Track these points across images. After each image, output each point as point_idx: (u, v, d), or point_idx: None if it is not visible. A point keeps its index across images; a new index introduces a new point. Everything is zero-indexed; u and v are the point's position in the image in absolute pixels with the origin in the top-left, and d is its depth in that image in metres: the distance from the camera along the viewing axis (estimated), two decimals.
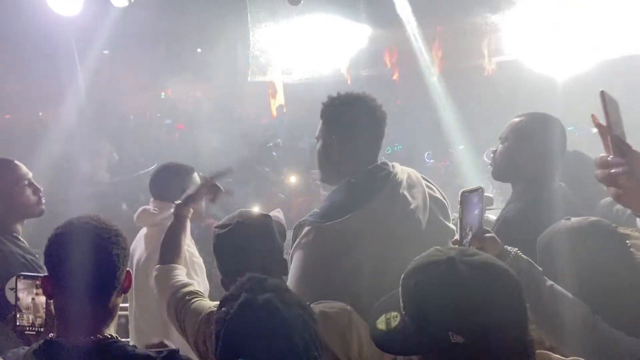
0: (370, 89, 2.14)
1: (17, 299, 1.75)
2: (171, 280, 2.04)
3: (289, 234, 2.09)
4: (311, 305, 1.71)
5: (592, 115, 1.23)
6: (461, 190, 1.55)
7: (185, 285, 2.02)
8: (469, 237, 1.53)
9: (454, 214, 2.04)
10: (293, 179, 5.70)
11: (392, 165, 2.09)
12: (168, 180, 2.77)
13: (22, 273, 1.83)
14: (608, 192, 1.22)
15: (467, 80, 7.50)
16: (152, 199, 2.81)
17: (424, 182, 2.11)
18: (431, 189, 2.12)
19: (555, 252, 1.66)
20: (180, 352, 1.49)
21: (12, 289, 2.11)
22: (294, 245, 1.99)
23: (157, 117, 9.18)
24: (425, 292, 1.15)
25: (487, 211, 2.69)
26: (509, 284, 1.13)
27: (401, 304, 1.21)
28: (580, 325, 1.49)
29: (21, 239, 2.50)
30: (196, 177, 2.80)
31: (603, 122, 1.19)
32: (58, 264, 1.46)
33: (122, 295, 1.54)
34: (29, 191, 2.49)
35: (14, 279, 1.81)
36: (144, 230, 2.77)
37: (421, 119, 7.39)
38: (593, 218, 1.72)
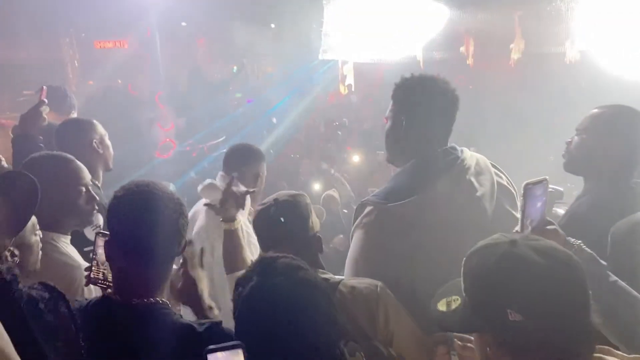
0: (443, 72, 2.10)
1: (94, 254, 1.83)
2: None
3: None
4: (344, 281, 1.76)
5: None
6: (524, 182, 1.52)
7: None
8: (529, 229, 1.51)
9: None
10: (356, 159, 5.69)
11: (461, 150, 2.05)
12: (243, 160, 2.88)
13: (102, 231, 1.93)
14: None
15: (547, 67, 7.18)
16: (221, 173, 2.89)
17: (492, 169, 2.06)
18: (500, 176, 2.07)
19: (634, 243, 1.58)
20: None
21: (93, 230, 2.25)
22: (355, 224, 1.99)
23: (230, 90, 9.37)
24: (485, 269, 1.17)
25: (555, 205, 2.59)
26: (572, 269, 1.13)
27: (462, 285, 1.23)
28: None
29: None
30: (264, 167, 2.94)
31: None
32: (121, 226, 1.51)
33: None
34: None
35: (94, 233, 1.92)
36: (203, 201, 2.83)
37: (494, 104, 7.17)
38: None
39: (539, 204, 1.54)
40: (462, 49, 8.11)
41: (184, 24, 9.63)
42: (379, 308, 1.69)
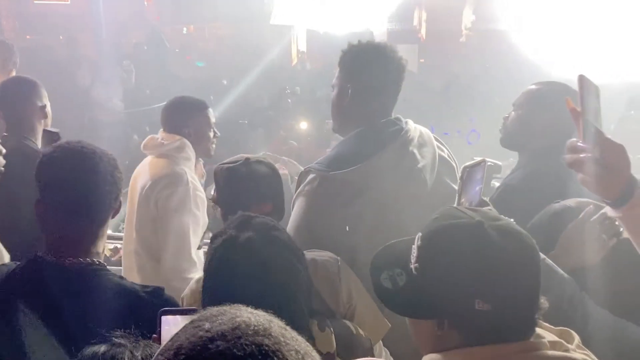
0: (395, 43, 2.09)
1: None
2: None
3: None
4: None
5: (567, 99, 1.22)
6: (463, 165, 1.53)
7: None
8: None
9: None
10: (304, 126, 5.66)
11: (406, 122, 2.06)
12: (180, 113, 2.74)
13: None
14: (577, 178, 1.21)
15: (496, 44, 7.33)
16: (161, 130, 2.79)
17: (435, 142, 2.09)
18: (441, 149, 2.11)
19: (548, 236, 1.61)
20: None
21: None
22: (297, 191, 1.99)
23: (176, 52, 9.09)
24: (453, 255, 1.10)
25: (493, 179, 2.68)
26: (532, 251, 1.11)
27: (413, 263, 1.16)
28: (566, 300, 1.50)
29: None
30: (210, 114, 2.79)
31: (578, 107, 1.18)
32: (50, 184, 1.47)
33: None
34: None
35: None
36: (148, 159, 2.76)
37: (443, 79, 7.27)
38: (582, 200, 1.67)
39: (477, 186, 1.56)
40: (414, 22, 8.16)
41: None
42: (342, 282, 1.69)
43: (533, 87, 2.21)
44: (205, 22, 10.00)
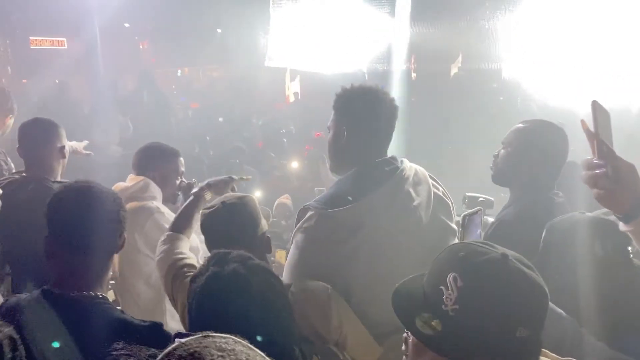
0: (387, 84, 2.18)
1: None
2: (176, 249, 2.13)
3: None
4: (294, 283, 1.81)
5: (582, 121, 1.32)
6: (462, 214, 1.65)
7: (187, 258, 2.09)
8: None
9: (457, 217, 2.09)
10: (295, 165, 5.74)
11: (401, 161, 2.12)
12: (152, 160, 2.81)
13: None
14: (592, 194, 1.30)
15: (485, 83, 7.49)
16: (130, 175, 2.85)
17: (430, 180, 2.14)
18: (436, 188, 2.15)
19: (565, 237, 1.69)
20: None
21: None
22: (296, 228, 2.03)
23: (173, 94, 9.23)
24: (496, 290, 1.11)
25: (486, 214, 2.72)
26: (540, 277, 1.17)
27: (452, 305, 1.13)
28: (568, 339, 1.52)
29: None
30: (181, 162, 2.87)
31: (592, 128, 1.28)
32: (57, 220, 1.54)
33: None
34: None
35: None
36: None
37: (436, 117, 7.39)
38: (606, 217, 1.74)
39: (477, 230, 1.68)
40: (406, 62, 8.34)
41: (127, 25, 9.42)
42: (332, 310, 1.74)
43: (520, 125, 2.29)
44: (199, 65, 10.19)
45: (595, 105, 1.30)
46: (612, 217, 2.16)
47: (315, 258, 1.94)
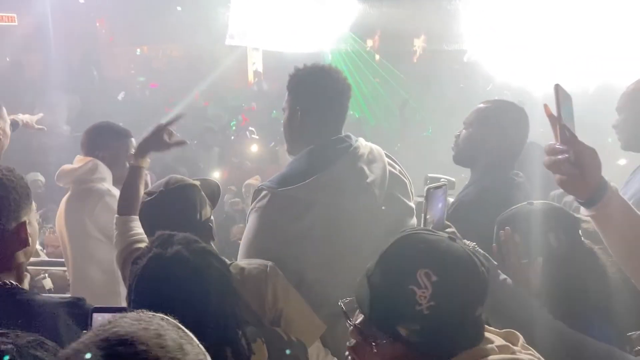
0: (351, 64, 2.15)
1: None
2: (128, 231, 2.04)
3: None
4: (234, 264, 1.77)
5: (545, 105, 1.30)
6: (427, 187, 1.63)
7: (140, 240, 2.01)
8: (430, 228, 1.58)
9: (417, 198, 2.08)
10: (254, 148, 5.68)
11: (356, 140, 2.11)
12: (101, 139, 2.69)
13: None
14: (554, 179, 1.29)
15: (447, 65, 7.52)
16: (78, 156, 2.71)
17: (386, 159, 2.13)
18: (393, 166, 2.15)
19: (518, 232, 1.67)
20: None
21: None
22: (250, 208, 2.03)
23: (131, 73, 8.97)
24: (457, 277, 1.10)
25: (448, 195, 2.72)
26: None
27: (427, 302, 1.07)
28: (526, 317, 1.53)
29: None
30: (132, 143, 2.73)
31: (554, 112, 1.27)
32: None
33: (24, 249, 1.48)
34: None
35: None
36: (62, 203, 2.69)
37: (397, 99, 7.40)
38: (555, 204, 1.76)
39: (439, 206, 1.66)
40: (369, 43, 8.30)
41: (81, 0, 9.05)
42: (268, 287, 1.73)
43: (482, 105, 2.27)
44: (159, 43, 9.91)
45: (558, 89, 1.27)
46: (567, 199, 2.19)
47: (268, 237, 1.94)
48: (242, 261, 1.81)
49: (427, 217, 1.61)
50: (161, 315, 0.75)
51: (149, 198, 1.90)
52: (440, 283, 1.07)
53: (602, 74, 4.91)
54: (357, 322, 1.15)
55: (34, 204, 1.56)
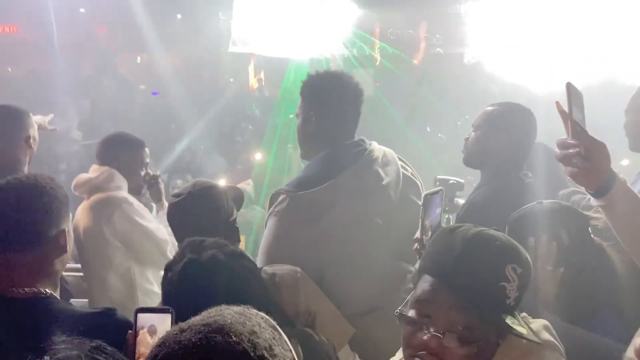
0: (353, 70, 2.21)
1: None
2: None
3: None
4: (264, 268, 1.81)
5: (557, 103, 1.37)
6: (424, 193, 1.68)
7: None
8: (429, 234, 1.64)
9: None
10: (259, 156, 5.69)
11: (370, 143, 2.16)
12: (116, 149, 2.74)
13: None
14: (565, 172, 1.36)
15: (449, 68, 7.54)
16: (93, 165, 2.76)
17: (399, 162, 2.17)
18: (405, 169, 2.20)
19: (530, 232, 1.69)
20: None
21: None
22: (269, 212, 2.07)
23: (132, 81, 8.99)
24: (530, 265, 1.21)
25: (456, 197, 2.76)
26: None
27: (510, 297, 1.13)
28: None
29: None
30: (145, 153, 2.80)
31: (566, 109, 1.33)
32: None
33: (61, 257, 1.53)
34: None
35: None
36: (78, 210, 2.72)
37: (399, 103, 7.43)
38: (564, 203, 1.80)
39: (437, 210, 1.69)
40: (369, 49, 8.33)
41: (82, 10, 9.10)
42: (300, 291, 1.76)
43: (490, 108, 2.32)
44: (160, 51, 9.94)
45: (569, 87, 1.34)
46: (575, 198, 2.23)
47: (288, 240, 1.97)
48: (270, 267, 1.84)
49: (426, 223, 1.64)
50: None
51: (176, 200, 1.93)
52: (524, 274, 1.16)
53: (605, 72, 4.94)
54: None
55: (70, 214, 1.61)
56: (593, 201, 1.41)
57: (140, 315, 1.14)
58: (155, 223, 2.66)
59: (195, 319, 0.76)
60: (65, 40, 7.52)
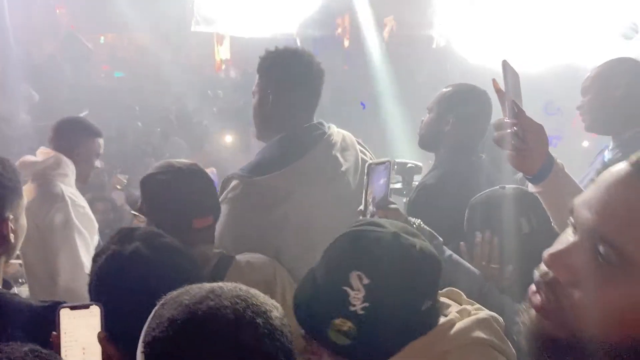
0: (320, 52, 2.13)
1: None
2: None
3: None
4: (237, 257, 1.75)
5: (493, 80, 1.33)
6: (367, 162, 1.59)
7: None
8: (371, 206, 1.58)
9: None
10: (229, 139, 5.59)
11: (328, 127, 2.08)
12: (70, 135, 2.65)
13: None
14: (505, 156, 1.32)
15: (416, 51, 7.53)
16: (41, 148, 2.65)
17: (358, 146, 2.12)
18: (364, 153, 2.15)
19: (487, 219, 1.69)
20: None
21: None
22: (221, 198, 1.96)
23: (94, 62, 8.74)
24: (392, 278, 1.08)
25: (415, 180, 2.75)
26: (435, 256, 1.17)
27: (361, 304, 1.06)
28: (475, 293, 1.56)
29: None
30: (100, 143, 2.71)
31: (503, 88, 1.30)
32: None
33: (6, 245, 1.42)
34: None
35: None
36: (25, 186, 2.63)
37: (366, 87, 7.40)
38: (526, 189, 1.78)
39: (381, 181, 1.61)
40: (338, 30, 8.25)
41: None
42: (277, 280, 1.72)
43: (443, 89, 2.30)
44: (123, 31, 9.67)
45: (506, 65, 1.29)
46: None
47: (243, 227, 1.89)
48: (245, 255, 1.76)
49: (368, 193, 1.57)
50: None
51: (165, 176, 1.75)
52: (372, 286, 1.05)
53: (568, 55, 4.99)
54: None
55: (25, 199, 1.50)
56: (531, 187, 1.36)
57: (63, 312, 1.05)
58: (85, 234, 2.53)
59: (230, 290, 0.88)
60: (19, 20, 7.24)
